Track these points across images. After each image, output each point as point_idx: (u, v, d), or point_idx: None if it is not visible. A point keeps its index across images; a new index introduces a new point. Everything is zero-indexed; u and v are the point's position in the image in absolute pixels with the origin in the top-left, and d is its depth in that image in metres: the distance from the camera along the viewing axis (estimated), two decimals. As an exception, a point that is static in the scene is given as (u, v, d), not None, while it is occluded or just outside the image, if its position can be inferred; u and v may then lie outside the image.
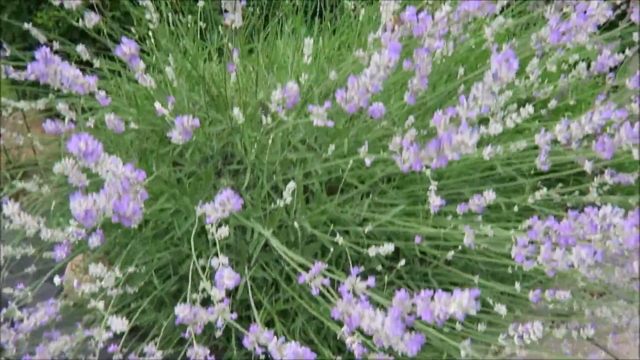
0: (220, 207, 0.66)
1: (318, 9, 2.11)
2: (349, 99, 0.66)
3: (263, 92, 1.61)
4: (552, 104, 1.26)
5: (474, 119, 0.54)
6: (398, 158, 0.68)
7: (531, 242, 0.73)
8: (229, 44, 0.98)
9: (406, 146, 0.67)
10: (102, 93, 0.86)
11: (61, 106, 0.95)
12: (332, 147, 1.11)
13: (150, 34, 1.39)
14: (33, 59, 0.74)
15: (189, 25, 2.15)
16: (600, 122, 0.77)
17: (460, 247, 1.09)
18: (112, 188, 0.64)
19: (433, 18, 0.75)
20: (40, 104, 1.57)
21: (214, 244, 0.86)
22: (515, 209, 1.19)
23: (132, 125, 1.10)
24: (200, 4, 1.58)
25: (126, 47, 0.72)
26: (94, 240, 0.95)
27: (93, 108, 1.63)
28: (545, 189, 1.10)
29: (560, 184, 1.40)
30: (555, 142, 0.84)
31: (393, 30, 0.83)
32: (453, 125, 0.56)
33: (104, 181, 0.64)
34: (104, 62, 1.66)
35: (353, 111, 0.69)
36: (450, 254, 1.10)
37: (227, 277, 0.68)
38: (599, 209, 0.60)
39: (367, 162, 0.76)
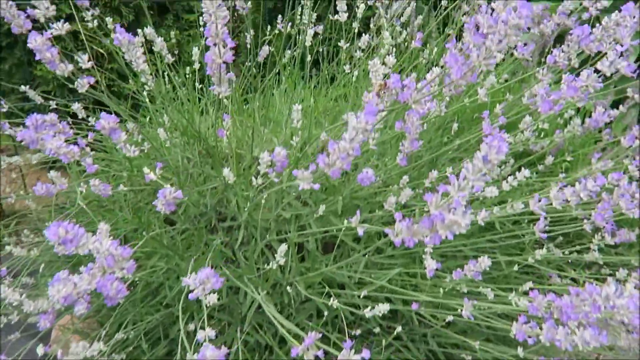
0: (200, 285, 0.63)
1: (316, 60, 2.14)
2: (331, 163, 0.65)
3: (258, 148, 1.61)
4: (549, 160, 1.25)
5: (465, 199, 0.52)
6: (390, 232, 0.66)
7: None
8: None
9: (398, 219, 0.65)
10: (89, 160, 0.85)
11: (52, 174, 0.94)
12: (322, 207, 1.09)
13: (146, 92, 1.40)
14: (30, 112, 0.74)
15: (186, 75, 2.19)
16: (595, 189, 0.75)
17: (459, 310, 1.05)
18: (96, 268, 0.61)
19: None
20: (34, 158, 1.56)
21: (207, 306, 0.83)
22: (516, 267, 1.15)
23: (122, 187, 1.08)
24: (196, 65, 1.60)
25: (105, 122, 0.72)
26: (80, 308, 0.91)
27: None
28: (545, 249, 1.07)
29: (561, 237, 1.38)
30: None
31: (379, 95, 0.83)
32: (445, 203, 0.55)
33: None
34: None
35: (337, 176, 0.67)
36: (450, 317, 1.06)
37: (211, 357, 0.65)
38: (600, 289, 0.57)
39: (360, 231, 0.74)
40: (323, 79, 2.10)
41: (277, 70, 1.84)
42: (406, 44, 1.97)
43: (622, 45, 0.74)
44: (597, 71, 0.76)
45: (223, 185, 1.40)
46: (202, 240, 1.35)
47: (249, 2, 1.60)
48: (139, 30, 1.30)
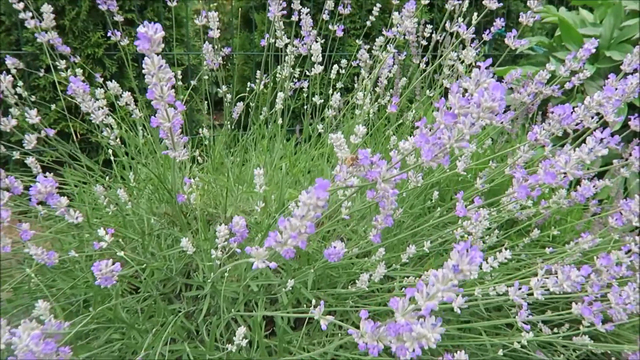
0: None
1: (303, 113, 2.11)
2: (283, 242, 0.57)
3: (232, 208, 1.53)
4: (535, 233, 1.18)
5: (435, 308, 0.45)
6: (355, 333, 0.58)
7: None
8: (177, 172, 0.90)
9: (364, 317, 0.57)
10: (25, 225, 0.77)
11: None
12: (291, 281, 1.01)
13: (112, 147, 1.33)
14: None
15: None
16: (579, 279, 0.68)
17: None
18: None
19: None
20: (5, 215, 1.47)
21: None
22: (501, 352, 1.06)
23: (73, 253, 0.99)
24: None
25: (42, 186, 0.64)
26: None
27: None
28: (531, 333, 0.98)
29: (549, 311, 1.30)
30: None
31: (351, 165, 0.76)
32: (413, 312, 0.47)
33: None
34: (70, 171, 1.60)
35: (291, 256, 0.59)
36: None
37: None
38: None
39: (323, 326, 0.65)
40: (306, 135, 2.07)
41: (258, 125, 1.79)
42: (387, 105, 1.95)
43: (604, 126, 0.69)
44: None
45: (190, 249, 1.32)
46: (164, 310, 1.24)
47: (237, 55, 1.57)
48: (109, 83, 1.26)
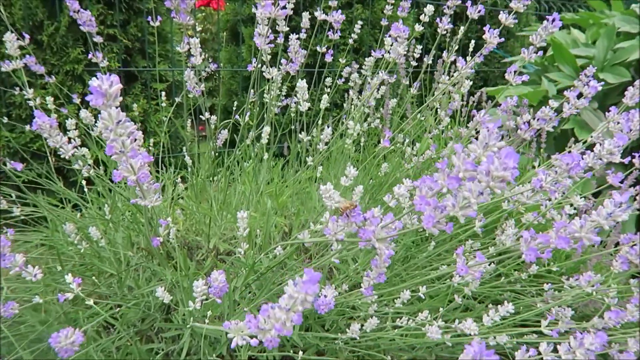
0: None
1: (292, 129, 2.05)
2: (267, 328, 0.51)
3: (215, 238, 1.46)
4: (533, 268, 1.13)
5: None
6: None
7: None
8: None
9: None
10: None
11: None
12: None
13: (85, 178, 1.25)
14: None
15: (149, 147, 2.05)
16: (594, 347, 0.62)
17: None
18: None
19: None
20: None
21: None
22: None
23: (37, 299, 0.91)
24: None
25: None
26: None
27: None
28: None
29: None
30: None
31: (341, 215, 0.70)
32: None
33: None
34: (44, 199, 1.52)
35: (275, 345, 0.53)
36: None
37: None
38: None
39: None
40: (294, 155, 2.00)
41: (244, 148, 1.72)
42: (378, 128, 1.89)
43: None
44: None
45: (170, 284, 1.24)
46: (140, 353, 1.16)
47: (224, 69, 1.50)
48: (82, 112, 1.18)
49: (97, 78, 0.45)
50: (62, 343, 0.59)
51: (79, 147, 0.95)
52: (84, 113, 1.09)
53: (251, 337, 0.57)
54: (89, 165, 1.07)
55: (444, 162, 0.50)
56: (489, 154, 0.45)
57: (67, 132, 0.99)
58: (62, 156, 0.90)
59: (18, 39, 1.25)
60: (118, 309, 1.23)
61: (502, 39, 1.16)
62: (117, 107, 0.47)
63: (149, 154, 0.63)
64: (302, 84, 1.12)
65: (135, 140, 0.51)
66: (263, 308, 0.49)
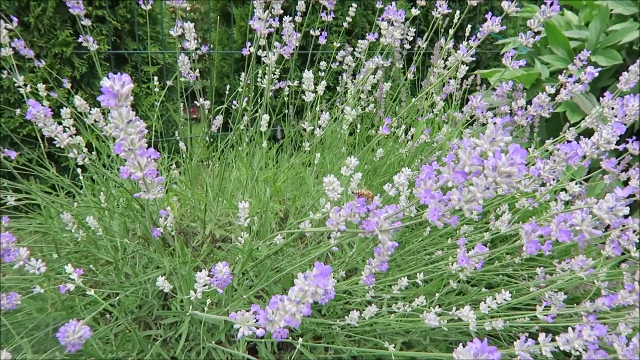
0: None
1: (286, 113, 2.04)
2: (275, 320, 0.51)
3: (211, 224, 1.46)
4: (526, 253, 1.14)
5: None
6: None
7: None
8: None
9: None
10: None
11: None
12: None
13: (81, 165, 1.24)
14: None
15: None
16: (592, 339, 0.64)
17: None
18: None
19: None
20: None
21: None
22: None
23: (38, 289, 0.91)
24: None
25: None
26: None
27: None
28: None
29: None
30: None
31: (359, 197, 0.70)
32: None
33: None
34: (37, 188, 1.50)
35: (284, 336, 0.53)
36: None
37: None
38: None
39: None
40: (288, 140, 1.99)
41: (238, 133, 1.71)
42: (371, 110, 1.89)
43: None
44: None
45: (168, 271, 1.24)
46: (139, 339, 1.17)
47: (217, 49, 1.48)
48: (76, 100, 1.16)
49: (109, 78, 0.45)
50: (69, 338, 0.59)
51: (73, 136, 0.94)
52: (78, 101, 1.07)
53: (257, 327, 0.58)
54: (83, 152, 1.05)
55: (450, 156, 0.50)
56: (496, 148, 0.46)
57: (62, 122, 0.97)
58: (57, 145, 0.89)
59: (6, 22, 1.21)
60: (116, 297, 1.23)
61: (497, 19, 1.16)
62: (127, 107, 0.46)
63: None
64: (308, 74, 1.11)
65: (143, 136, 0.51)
66: (272, 300, 0.49)
